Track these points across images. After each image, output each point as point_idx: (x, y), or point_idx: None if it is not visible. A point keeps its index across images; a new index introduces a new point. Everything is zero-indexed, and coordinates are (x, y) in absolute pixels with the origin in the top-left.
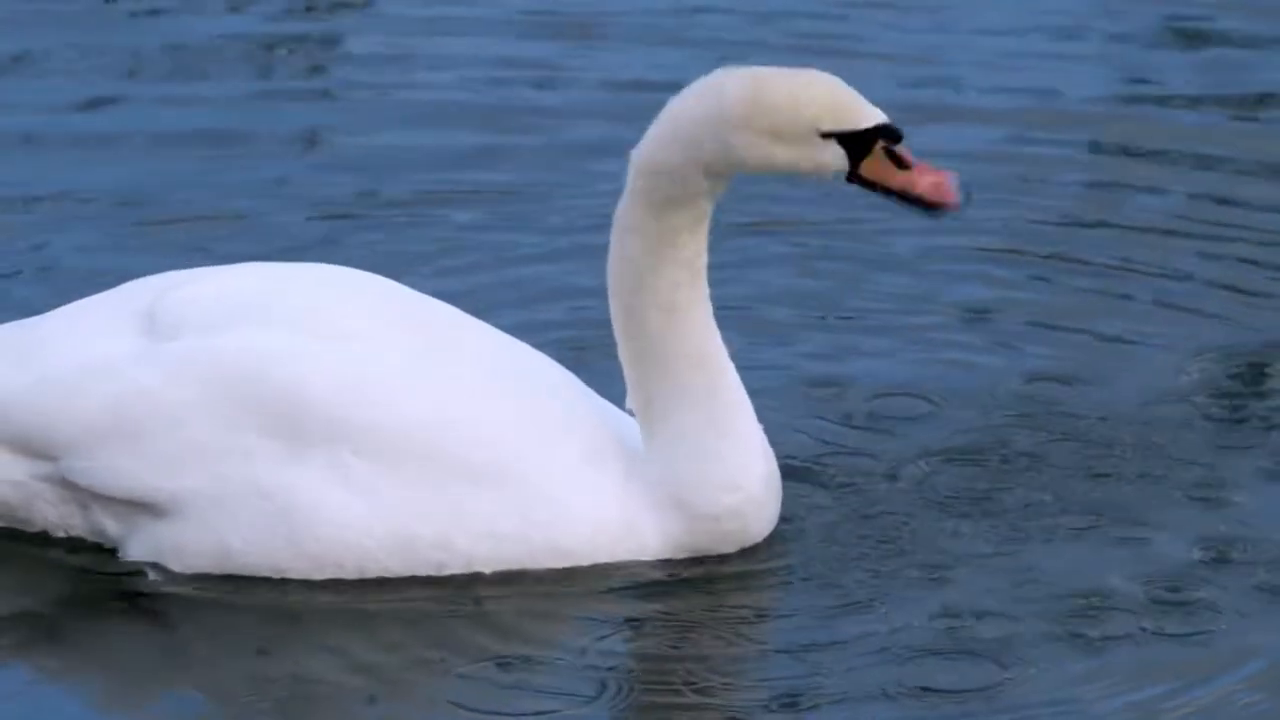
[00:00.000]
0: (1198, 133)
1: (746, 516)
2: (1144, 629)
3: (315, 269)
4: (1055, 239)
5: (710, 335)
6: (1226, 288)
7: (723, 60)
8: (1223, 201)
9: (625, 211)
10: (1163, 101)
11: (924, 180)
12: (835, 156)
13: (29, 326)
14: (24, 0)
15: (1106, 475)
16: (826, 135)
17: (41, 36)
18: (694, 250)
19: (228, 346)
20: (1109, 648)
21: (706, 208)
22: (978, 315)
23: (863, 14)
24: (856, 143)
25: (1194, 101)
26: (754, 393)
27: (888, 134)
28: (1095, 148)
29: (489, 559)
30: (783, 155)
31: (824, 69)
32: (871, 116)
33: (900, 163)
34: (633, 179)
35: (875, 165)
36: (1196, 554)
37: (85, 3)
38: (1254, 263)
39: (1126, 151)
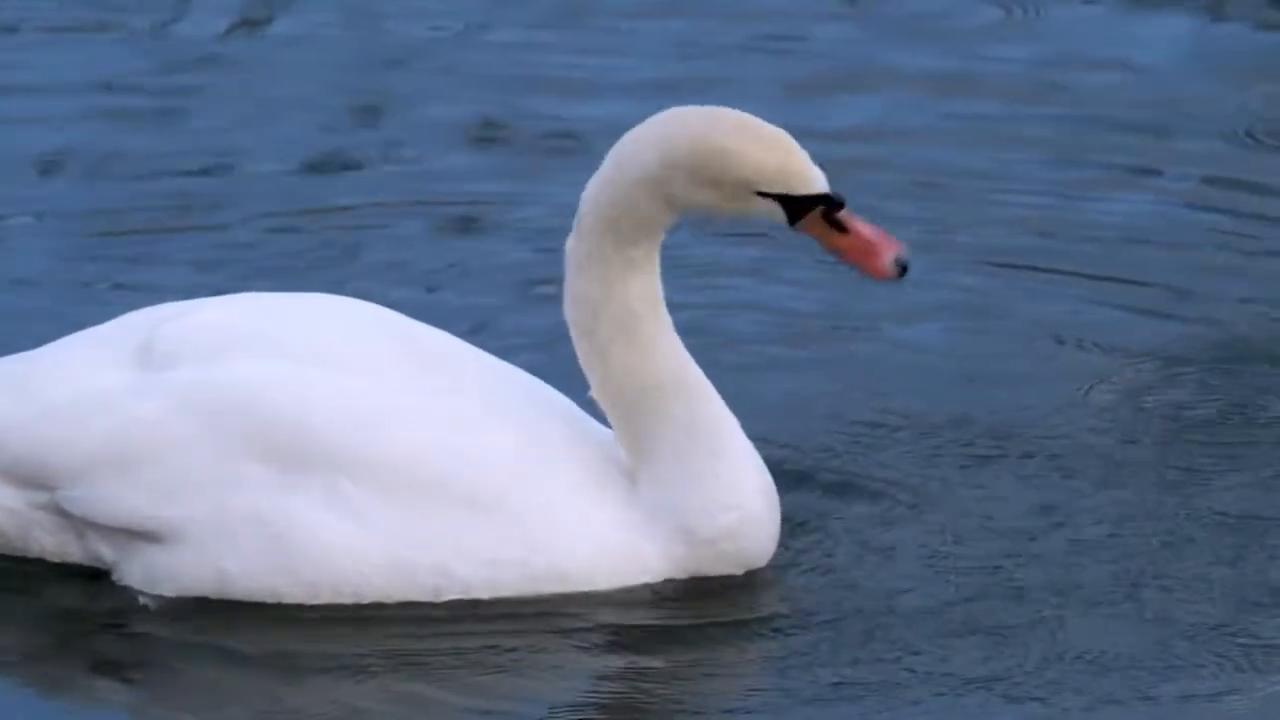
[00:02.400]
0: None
1: (745, 536)
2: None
3: (311, 298)
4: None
5: (680, 360)
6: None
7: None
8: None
9: (576, 246)
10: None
11: (858, 248)
12: (771, 211)
13: (26, 359)
14: None
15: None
16: (763, 194)
17: None
18: (648, 281)
19: (225, 376)
20: (1175, 710)
21: (658, 239)
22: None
23: None
24: (795, 204)
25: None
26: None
27: (828, 202)
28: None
29: (488, 585)
30: (717, 202)
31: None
32: (812, 182)
33: (840, 226)
34: (583, 213)
35: (814, 226)
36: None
37: None
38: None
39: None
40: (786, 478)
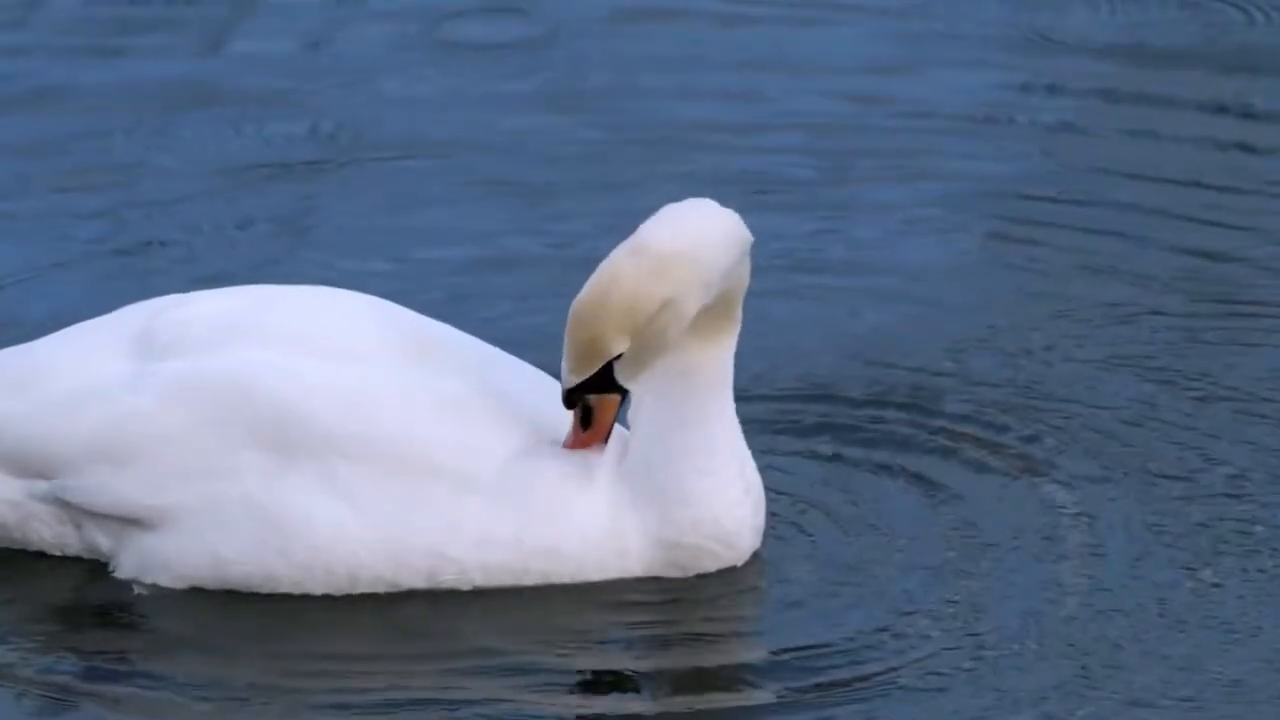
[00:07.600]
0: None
1: (718, 507)
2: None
3: (309, 290)
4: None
5: (723, 359)
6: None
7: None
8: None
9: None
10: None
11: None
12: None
13: (24, 351)
14: None
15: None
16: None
17: None
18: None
19: (220, 364)
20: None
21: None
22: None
23: None
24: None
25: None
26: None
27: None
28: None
29: (480, 566)
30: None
31: None
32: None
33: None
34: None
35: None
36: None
37: None
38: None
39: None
40: (775, 475)
